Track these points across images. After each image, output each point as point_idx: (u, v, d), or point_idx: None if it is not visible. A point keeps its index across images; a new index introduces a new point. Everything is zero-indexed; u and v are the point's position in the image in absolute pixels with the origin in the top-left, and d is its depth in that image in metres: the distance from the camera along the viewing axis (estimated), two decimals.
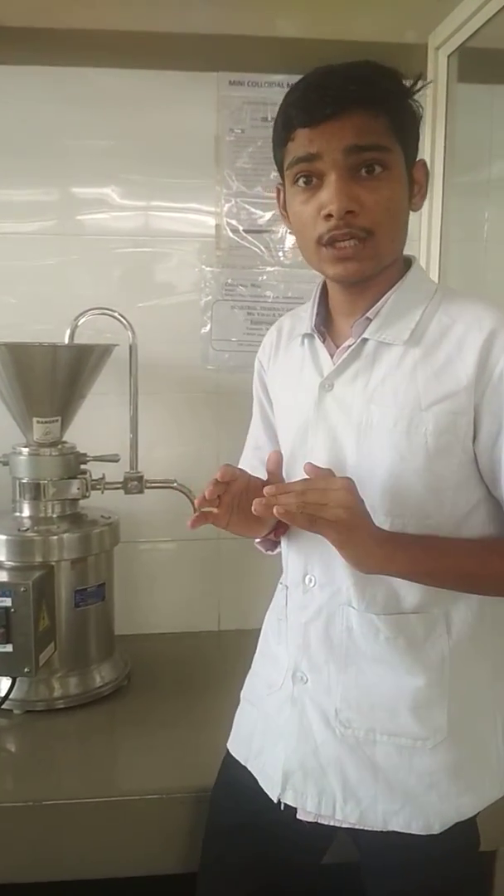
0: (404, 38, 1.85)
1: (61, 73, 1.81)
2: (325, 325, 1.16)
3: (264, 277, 1.93)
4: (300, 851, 1.18)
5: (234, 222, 1.90)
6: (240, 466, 1.31)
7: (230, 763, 1.25)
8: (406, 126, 1.03)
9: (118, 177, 1.87)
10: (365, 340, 1.08)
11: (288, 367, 1.21)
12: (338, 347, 1.12)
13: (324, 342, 1.14)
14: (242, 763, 1.21)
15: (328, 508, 0.93)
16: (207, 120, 1.87)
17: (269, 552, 1.32)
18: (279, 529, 1.22)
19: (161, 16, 1.77)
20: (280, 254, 1.92)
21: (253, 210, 1.90)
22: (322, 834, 1.14)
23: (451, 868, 1.11)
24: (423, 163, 1.09)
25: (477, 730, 1.10)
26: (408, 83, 1.06)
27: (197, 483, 1.74)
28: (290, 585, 1.17)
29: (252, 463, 1.35)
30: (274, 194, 1.85)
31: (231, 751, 1.26)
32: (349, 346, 1.09)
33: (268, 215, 1.90)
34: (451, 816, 1.07)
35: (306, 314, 1.19)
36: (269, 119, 1.87)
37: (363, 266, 1.03)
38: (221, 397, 1.95)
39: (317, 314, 1.16)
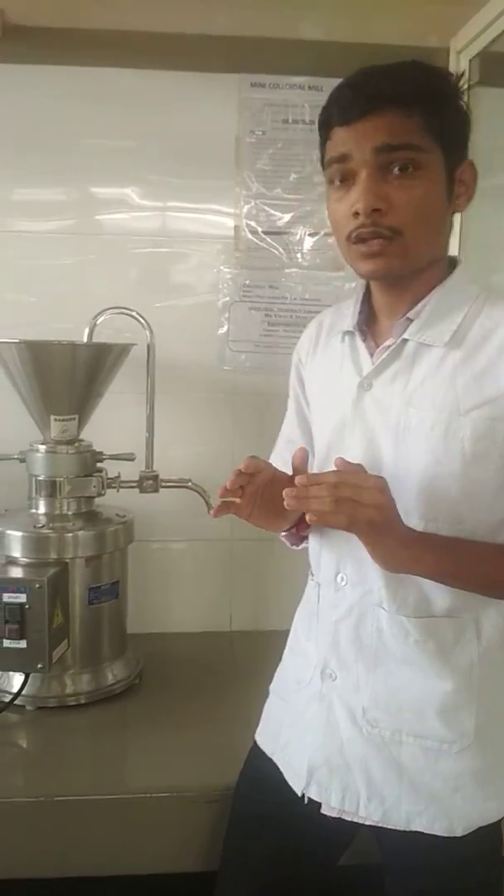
0: (426, 42, 1.85)
1: (83, 73, 1.82)
2: (368, 324, 1.16)
3: (282, 279, 1.93)
4: (321, 845, 1.19)
5: (253, 224, 1.91)
6: (270, 460, 1.31)
7: (256, 754, 1.26)
8: (446, 126, 1.02)
9: (138, 177, 1.88)
10: (405, 341, 1.07)
11: (327, 363, 1.21)
12: (378, 346, 1.12)
13: (364, 340, 1.14)
14: (269, 755, 1.22)
15: (360, 507, 0.93)
16: (228, 121, 1.88)
17: (295, 546, 1.32)
18: (301, 524, 1.22)
19: (183, 17, 1.79)
20: (298, 256, 1.92)
21: (272, 212, 1.91)
22: (344, 830, 1.15)
23: (474, 871, 1.10)
24: (471, 163, 1.07)
25: None
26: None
27: (212, 483, 1.74)
28: (321, 583, 1.17)
29: (284, 457, 1.33)
30: (293, 196, 1.87)
31: (258, 742, 1.27)
32: (389, 346, 1.08)
33: (287, 217, 1.91)
34: (475, 820, 1.07)
35: (349, 311, 1.19)
36: (290, 121, 1.88)
37: (390, 263, 1.03)
38: (237, 398, 1.95)
39: (360, 312, 1.15)
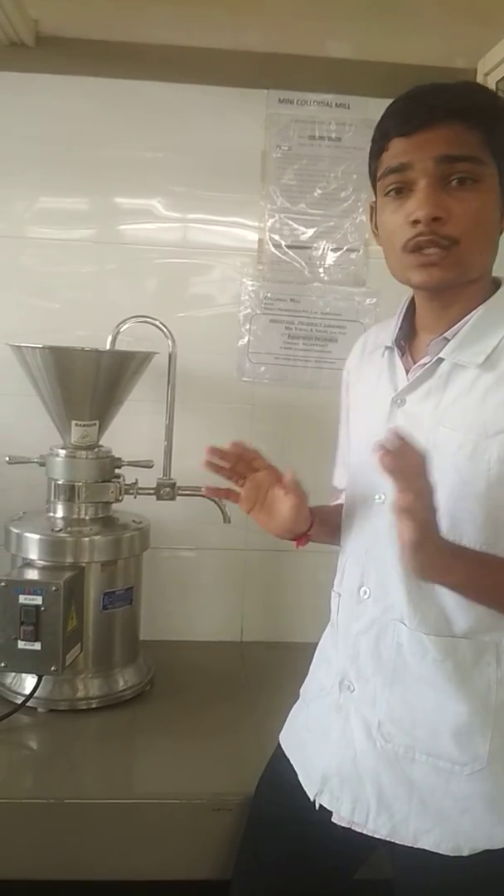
0: (453, 64, 1.87)
1: (112, 85, 1.85)
2: (407, 340, 1.16)
3: (304, 293, 1.94)
4: (336, 858, 1.19)
5: (276, 237, 1.93)
6: (338, 473, 1.37)
7: (278, 757, 1.27)
8: (501, 144, 1.03)
9: (164, 188, 1.90)
10: (440, 360, 1.07)
11: (368, 377, 1.21)
12: (415, 363, 1.12)
13: (402, 356, 1.14)
14: (288, 756, 1.23)
15: (422, 507, 0.91)
16: (255, 136, 1.90)
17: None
18: (302, 539, 1.22)
19: (213, 33, 1.81)
20: (321, 270, 1.94)
21: (296, 226, 1.92)
22: (360, 844, 1.14)
23: (486, 894, 1.09)
24: None
25: None
26: None
27: None
28: (342, 594, 1.18)
29: (343, 482, 1.33)
30: (317, 211, 1.88)
31: (282, 742, 1.28)
32: (425, 364, 1.09)
33: (310, 232, 1.92)
34: (482, 843, 1.06)
35: (391, 326, 1.20)
36: (317, 137, 1.90)
37: (446, 274, 1.03)
38: (256, 410, 1.96)
39: (400, 328, 1.16)
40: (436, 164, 1.01)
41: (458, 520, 1.03)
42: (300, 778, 1.19)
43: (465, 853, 1.06)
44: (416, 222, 1.01)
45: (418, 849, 1.07)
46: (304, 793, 1.17)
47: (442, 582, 1.01)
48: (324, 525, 1.25)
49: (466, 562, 1.00)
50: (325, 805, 1.14)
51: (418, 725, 1.07)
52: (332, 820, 1.13)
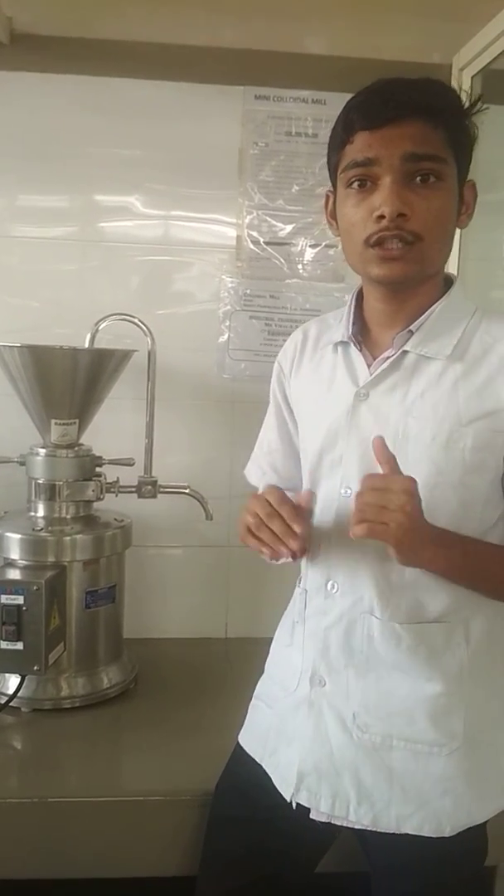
0: (429, 59, 1.88)
1: (89, 83, 1.84)
2: (362, 335, 1.16)
3: (283, 289, 1.95)
4: (300, 847, 1.20)
5: (255, 234, 1.93)
6: (250, 467, 1.38)
7: (238, 759, 1.26)
8: (461, 143, 1.06)
9: (142, 186, 1.90)
10: (405, 353, 1.09)
11: (316, 372, 1.21)
12: (374, 357, 1.13)
13: (360, 351, 1.15)
14: (257, 760, 1.22)
15: (388, 513, 0.94)
16: (232, 133, 1.90)
17: (273, 561, 1.32)
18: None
19: (190, 29, 1.80)
20: (299, 266, 1.94)
21: (274, 223, 1.93)
22: (324, 831, 1.15)
23: (462, 868, 1.12)
24: (473, 184, 1.10)
25: (492, 737, 1.11)
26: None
27: (209, 489, 1.77)
28: (309, 589, 1.17)
29: (262, 467, 1.36)
30: (295, 207, 1.86)
31: (244, 746, 1.27)
32: (388, 357, 1.10)
33: (289, 228, 1.93)
34: (463, 821, 1.08)
35: (335, 321, 1.21)
36: (293, 133, 1.90)
37: (408, 268, 1.04)
38: (236, 406, 1.97)
39: (353, 323, 1.16)
40: (402, 161, 1.01)
41: (432, 508, 1.03)
42: (274, 780, 1.18)
43: (447, 833, 1.08)
44: (380, 217, 1.02)
45: (399, 834, 1.08)
46: (273, 793, 1.16)
47: (426, 568, 1.03)
48: None
49: (450, 548, 1.02)
50: (302, 803, 1.13)
51: (394, 713, 1.09)
52: (311, 816, 1.13)
